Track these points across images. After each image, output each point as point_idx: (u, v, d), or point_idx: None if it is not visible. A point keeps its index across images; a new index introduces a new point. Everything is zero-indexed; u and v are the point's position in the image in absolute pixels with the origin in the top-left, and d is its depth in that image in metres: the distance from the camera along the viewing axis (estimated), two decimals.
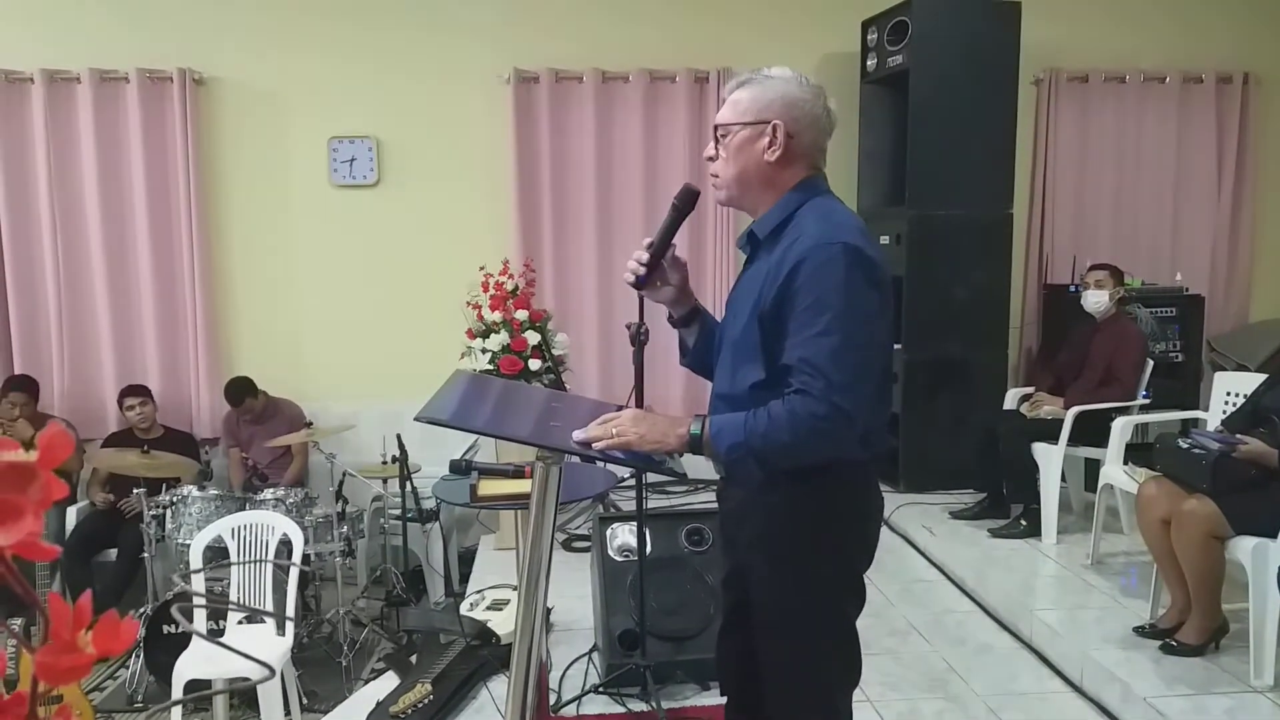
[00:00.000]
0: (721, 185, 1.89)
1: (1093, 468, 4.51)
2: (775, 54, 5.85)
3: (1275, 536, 3.00)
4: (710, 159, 1.90)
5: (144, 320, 5.54)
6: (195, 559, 3.76)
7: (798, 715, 1.94)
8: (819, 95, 1.85)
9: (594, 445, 1.75)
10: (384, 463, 5.01)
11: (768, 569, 1.90)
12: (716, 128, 1.88)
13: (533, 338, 4.60)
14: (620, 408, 2.08)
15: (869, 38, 5.51)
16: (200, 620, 3.77)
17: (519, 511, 2.66)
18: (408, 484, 4.59)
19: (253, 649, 3.50)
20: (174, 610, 3.24)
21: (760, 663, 1.95)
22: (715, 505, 3.68)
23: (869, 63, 5.52)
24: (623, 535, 3.45)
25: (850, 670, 1.96)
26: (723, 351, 1.96)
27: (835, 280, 1.69)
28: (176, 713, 3.66)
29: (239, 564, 3.61)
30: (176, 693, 3.44)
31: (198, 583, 3.78)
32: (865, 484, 1.92)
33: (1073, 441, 4.38)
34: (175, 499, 4.38)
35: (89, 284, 5.50)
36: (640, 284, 1.99)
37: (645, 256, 1.95)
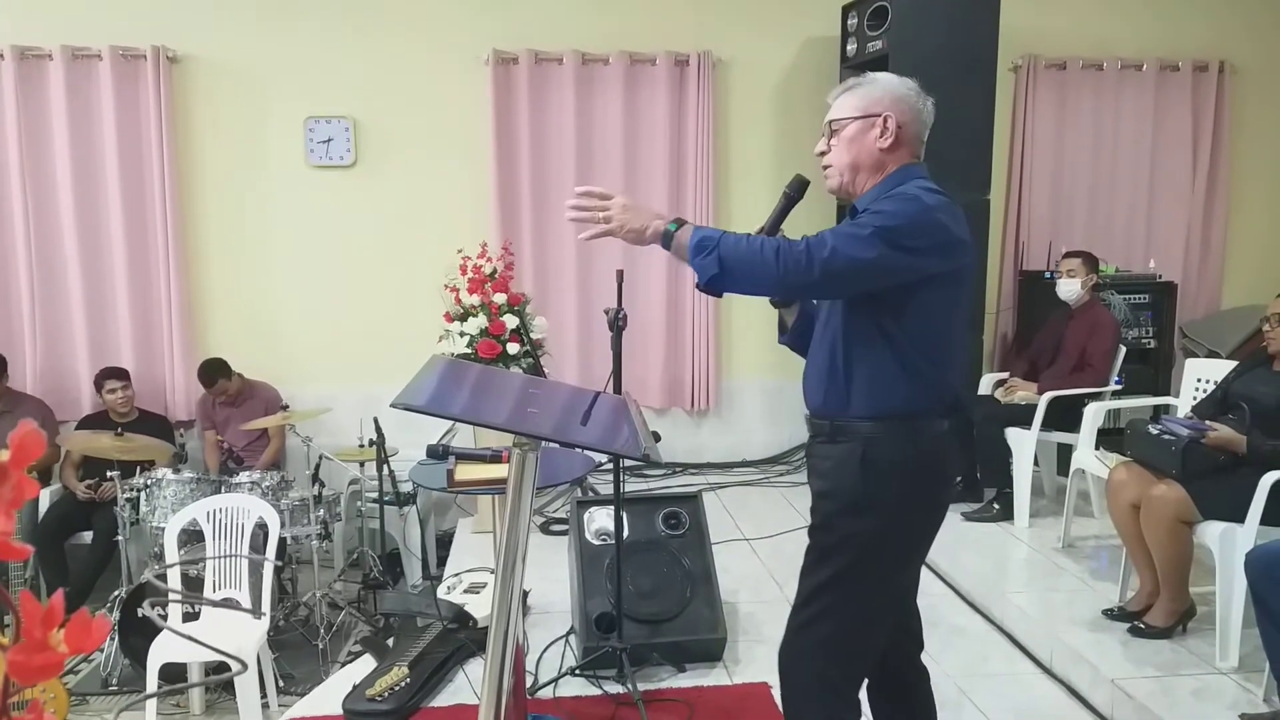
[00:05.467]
0: (834, 174, 2.05)
1: (1065, 453, 4.57)
2: (756, 37, 5.89)
3: (1243, 521, 3.05)
4: (822, 153, 2.06)
5: (118, 302, 5.48)
6: (170, 542, 3.74)
7: (804, 661, 2.00)
8: (920, 93, 2.05)
9: (581, 235, 1.96)
10: (361, 446, 5.00)
11: (832, 514, 2.00)
12: (830, 123, 2.05)
13: (511, 321, 4.59)
14: (598, 394, 2.10)
15: (849, 22, 5.51)
16: (174, 606, 3.75)
17: (496, 496, 2.66)
18: (385, 467, 4.58)
19: (229, 631, 3.50)
20: (146, 606, 3.22)
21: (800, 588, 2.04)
22: (692, 490, 3.74)
23: (849, 47, 5.51)
24: (600, 519, 3.47)
25: (873, 617, 2.01)
26: (820, 322, 2.10)
27: (894, 207, 1.88)
28: (153, 699, 3.65)
29: (214, 558, 3.59)
30: (151, 675, 3.43)
31: (172, 569, 3.76)
32: (940, 453, 1.99)
33: (1045, 427, 4.43)
34: (150, 482, 4.35)
35: (62, 266, 5.43)
36: None
37: None
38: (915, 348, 1.92)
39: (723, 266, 1.83)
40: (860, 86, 2.04)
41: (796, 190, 2.09)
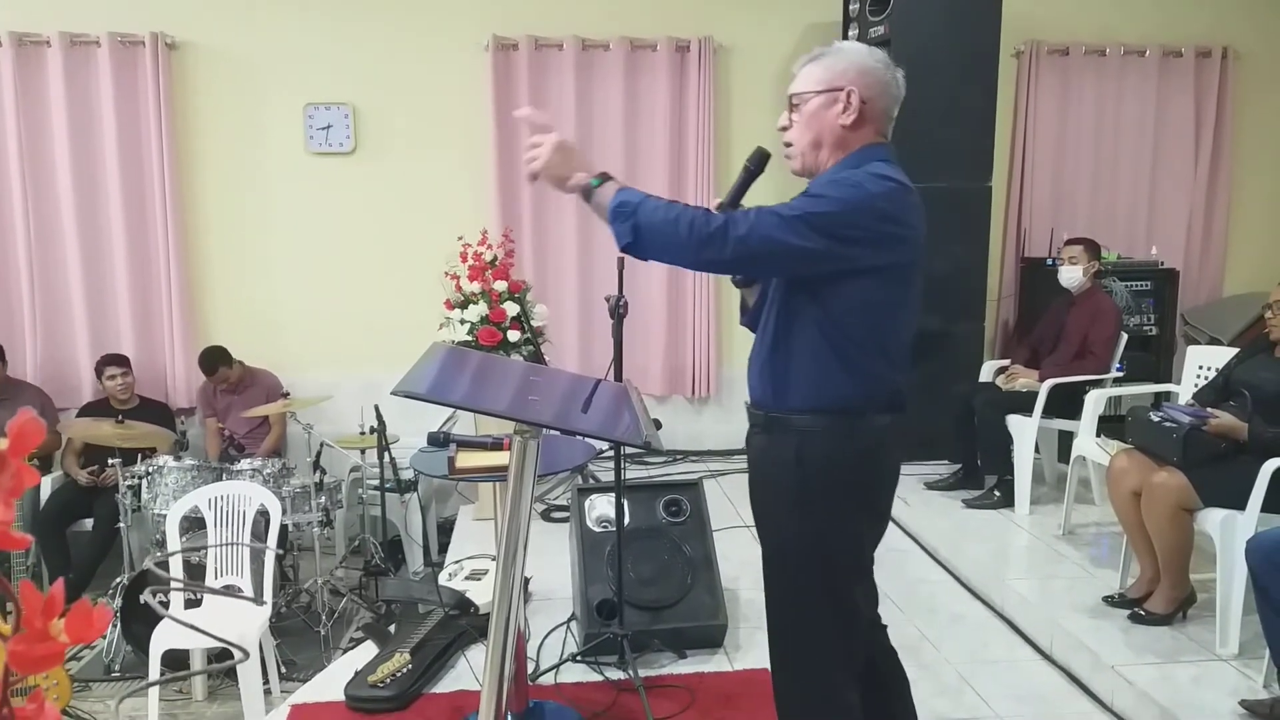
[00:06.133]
0: (795, 153, 1.94)
1: (1066, 440, 4.56)
2: (757, 23, 5.86)
3: (1244, 509, 3.05)
4: (784, 128, 1.95)
5: (118, 290, 5.47)
6: (172, 529, 3.74)
7: (785, 667, 1.98)
8: (889, 65, 1.94)
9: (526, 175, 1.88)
10: (362, 433, 5.00)
11: (771, 515, 1.96)
12: (791, 97, 1.93)
13: (511, 309, 4.59)
14: (598, 382, 2.09)
15: (851, 8, 5.48)
16: (176, 593, 3.76)
17: (497, 483, 2.67)
18: (386, 455, 4.58)
19: (230, 618, 3.50)
20: (147, 594, 3.23)
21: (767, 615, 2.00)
22: (693, 477, 3.73)
23: (850, 33, 5.48)
24: (601, 506, 3.48)
25: (843, 629, 1.96)
26: (765, 308, 2.02)
27: (833, 192, 1.77)
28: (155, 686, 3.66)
29: (215, 546, 3.60)
30: (154, 662, 3.43)
31: (174, 558, 3.76)
32: (877, 454, 1.94)
33: (1047, 414, 4.43)
34: (151, 469, 4.35)
35: (62, 253, 5.42)
36: None
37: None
38: (853, 342, 1.85)
39: (637, 234, 1.76)
40: (825, 57, 1.92)
41: (757, 163, 2.00)
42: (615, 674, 3.12)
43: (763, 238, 1.74)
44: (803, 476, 1.87)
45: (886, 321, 1.87)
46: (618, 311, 3.01)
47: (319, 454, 4.76)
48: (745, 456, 2.05)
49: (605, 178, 1.83)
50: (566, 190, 1.84)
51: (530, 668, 3.13)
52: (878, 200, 1.78)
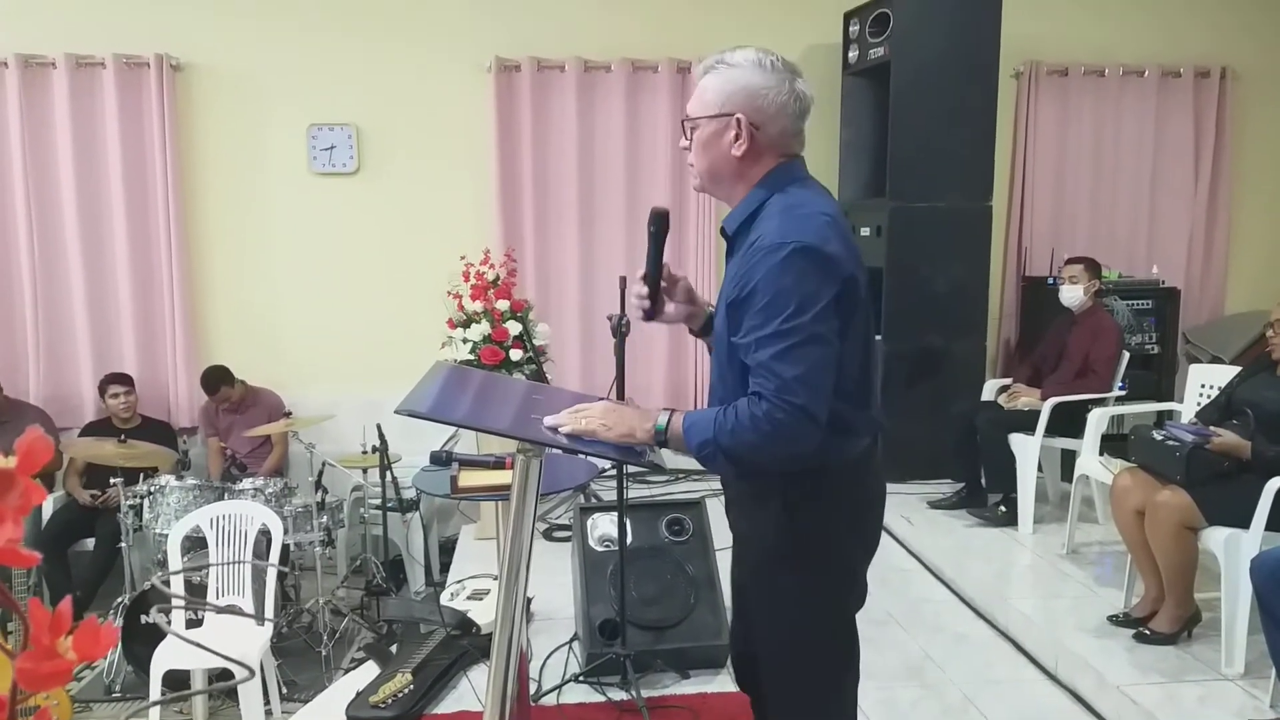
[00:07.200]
0: (695, 174, 1.86)
1: (1069, 458, 4.56)
2: (757, 44, 5.85)
3: (1248, 527, 3.04)
4: (685, 149, 1.87)
5: (121, 309, 5.49)
6: (173, 549, 3.74)
7: (792, 707, 1.95)
8: (784, 79, 1.78)
9: (560, 430, 1.75)
10: (364, 452, 5.00)
11: (761, 562, 1.90)
12: (684, 120, 1.84)
13: (514, 328, 4.59)
14: (601, 400, 2.09)
15: (851, 29, 5.52)
16: (178, 613, 3.75)
17: (499, 502, 2.66)
18: (388, 474, 4.57)
19: (232, 638, 3.50)
20: (153, 611, 3.22)
21: (758, 654, 1.96)
22: (695, 496, 3.72)
23: (851, 54, 5.52)
24: (603, 525, 3.47)
25: (845, 658, 1.94)
26: (715, 347, 1.95)
27: (787, 281, 1.65)
28: (156, 706, 3.65)
29: (218, 565, 3.59)
30: (155, 682, 3.42)
31: (175, 577, 3.76)
32: (862, 477, 1.89)
33: (1049, 432, 4.42)
34: (153, 489, 4.35)
35: (65, 273, 5.43)
36: (650, 316, 1.97)
37: (645, 289, 1.94)
38: None
39: (736, 463, 1.70)
40: (715, 73, 1.79)
41: (659, 225, 1.91)
42: (618, 694, 3.10)
43: (816, 371, 1.64)
44: (786, 520, 1.81)
45: (848, 355, 1.76)
46: (620, 330, 3.01)
47: (321, 473, 4.76)
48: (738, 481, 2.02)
49: (669, 415, 1.74)
50: (639, 444, 1.76)
51: (532, 688, 3.12)
52: (824, 248, 1.67)
